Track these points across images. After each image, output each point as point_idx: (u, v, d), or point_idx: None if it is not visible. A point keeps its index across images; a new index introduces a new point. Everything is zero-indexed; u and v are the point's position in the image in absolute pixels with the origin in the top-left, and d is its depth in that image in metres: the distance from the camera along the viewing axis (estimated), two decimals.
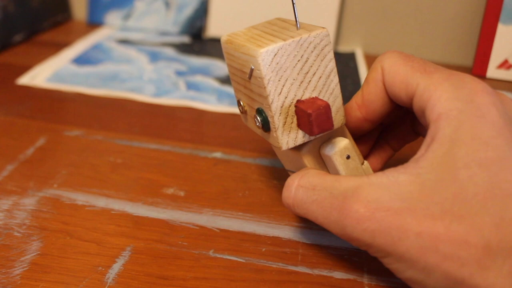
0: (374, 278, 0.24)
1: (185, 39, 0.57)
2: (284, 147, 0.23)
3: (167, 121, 0.38)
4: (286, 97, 0.22)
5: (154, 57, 0.51)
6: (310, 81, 0.22)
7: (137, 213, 0.28)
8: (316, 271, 0.24)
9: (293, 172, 0.26)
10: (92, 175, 0.31)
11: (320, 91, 0.23)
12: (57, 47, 0.52)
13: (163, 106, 0.41)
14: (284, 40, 0.21)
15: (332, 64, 0.23)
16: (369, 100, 0.24)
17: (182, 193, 0.30)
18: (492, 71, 0.49)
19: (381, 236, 0.19)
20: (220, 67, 0.49)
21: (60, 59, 0.49)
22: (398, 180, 0.19)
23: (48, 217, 0.27)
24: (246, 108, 0.24)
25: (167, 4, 0.58)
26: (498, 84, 0.48)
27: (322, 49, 0.22)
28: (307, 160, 0.24)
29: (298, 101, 0.22)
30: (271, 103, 0.22)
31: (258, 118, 0.23)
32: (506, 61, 0.48)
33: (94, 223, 0.27)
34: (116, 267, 0.24)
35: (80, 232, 0.26)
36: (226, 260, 0.25)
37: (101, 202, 0.28)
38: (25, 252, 0.24)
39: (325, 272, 0.24)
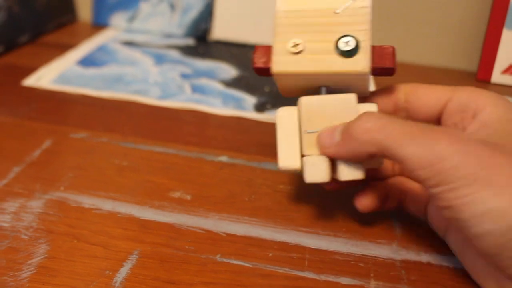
0: (381, 284, 0.24)
1: (190, 41, 0.57)
2: (365, 69, 0.25)
3: (172, 124, 0.38)
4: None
5: (159, 59, 0.51)
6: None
7: (143, 217, 0.28)
8: (323, 277, 0.24)
9: (313, 132, 0.25)
10: (98, 177, 0.31)
11: None
12: (62, 48, 0.53)
13: (168, 109, 0.41)
14: None
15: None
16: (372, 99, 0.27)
17: (188, 197, 0.30)
18: (497, 77, 0.49)
19: (473, 161, 0.20)
20: (225, 70, 0.49)
21: (66, 60, 0.49)
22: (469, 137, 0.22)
23: (55, 220, 0.27)
24: (308, 44, 0.25)
25: (172, 6, 0.58)
26: (503, 90, 0.48)
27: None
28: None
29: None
30: (369, 28, 0.26)
31: (344, 42, 0.25)
32: (511, 66, 0.48)
33: (100, 226, 0.27)
34: (124, 271, 0.24)
35: (87, 236, 0.26)
36: (233, 264, 0.25)
37: (107, 205, 0.28)
38: (32, 255, 0.24)
39: (331, 278, 0.24)
